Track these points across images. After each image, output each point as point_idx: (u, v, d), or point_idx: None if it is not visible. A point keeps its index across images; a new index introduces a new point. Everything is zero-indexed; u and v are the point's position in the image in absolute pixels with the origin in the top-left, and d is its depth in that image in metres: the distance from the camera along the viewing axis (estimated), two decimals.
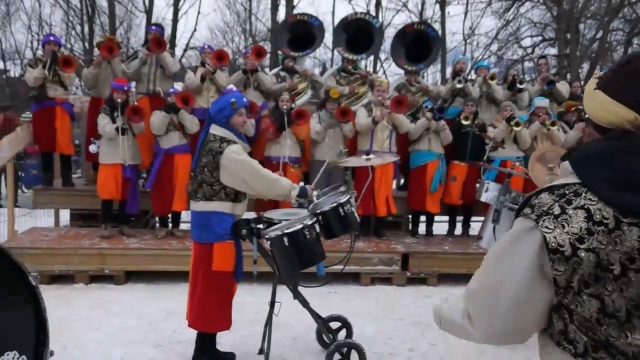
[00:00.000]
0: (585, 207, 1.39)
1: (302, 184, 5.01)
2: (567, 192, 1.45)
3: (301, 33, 8.09)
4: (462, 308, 1.64)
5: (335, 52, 20.72)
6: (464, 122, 7.01)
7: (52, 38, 7.40)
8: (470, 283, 1.63)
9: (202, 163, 3.68)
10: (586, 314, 1.41)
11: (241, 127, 3.85)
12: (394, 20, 20.74)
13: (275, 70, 8.22)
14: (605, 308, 1.39)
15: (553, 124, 7.04)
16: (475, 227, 7.50)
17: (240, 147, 3.70)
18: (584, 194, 1.42)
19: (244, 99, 3.91)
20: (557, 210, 1.42)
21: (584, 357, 1.44)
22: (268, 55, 16.30)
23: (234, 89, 6.82)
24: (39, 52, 20.65)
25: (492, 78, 7.90)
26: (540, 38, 21.30)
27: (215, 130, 3.73)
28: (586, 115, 7.39)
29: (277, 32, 8.87)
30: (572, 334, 1.46)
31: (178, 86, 7.58)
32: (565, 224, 1.39)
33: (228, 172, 3.62)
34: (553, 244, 1.40)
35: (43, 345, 2.55)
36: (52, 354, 2.60)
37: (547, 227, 1.41)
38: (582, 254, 1.37)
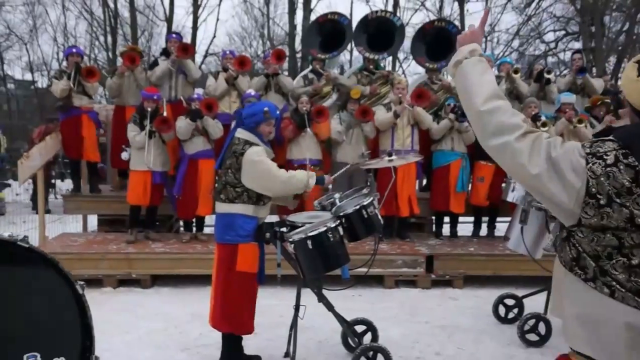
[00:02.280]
0: (637, 168, 1.48)
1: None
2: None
3: (330, 33, 8.09)
4: (521, 125, 1.68)
5: (355, 53, 20.89)
6: None
7: (74, 50, 7.55)
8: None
9: (227, 165, 3.73)
10: (599, 249, 1.53)
11: (266, 136, 3.88)
12: (412, 20, 20.66)
13: (304, 72, 8.25)
14: (622, 249, 1.50)
15: (580, 121, 6.86)
16: (500, 228, 7.44)
17: (261, 149, 3.72)
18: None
19: (277, 112, 3.96)
20: (611, 159, 1.51)
21: (593, 282, 1.54)
22: (286, 59, 16.32)
23: (253, 93, 6.89)
24: (64, 64, 21.08)
25: (516, 72, 7.73)
26: (563, 32, 20.96)
27: (241, 133, 3.78)
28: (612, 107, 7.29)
29: (306, 33, 8.84)
30: (583, 261, 1.56)
31: (200, 91, 7.67)
32: (611, 175, 1.49)
33: (248, 174, 3.65)
34: (593, 190, 1.50)
35: (89, 351, 2.62)
36: (97, 359, 2.67)
37: (593, 172, 1.51)
38: (615, 207, 1.48)
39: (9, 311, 2.42)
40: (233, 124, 6.72)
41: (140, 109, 6.62)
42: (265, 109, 3.77)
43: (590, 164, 1.51)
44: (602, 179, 1.49)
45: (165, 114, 6.72)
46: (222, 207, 3.77)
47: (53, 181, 13.91)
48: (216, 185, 3.89)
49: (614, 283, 1.51)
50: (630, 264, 1.50)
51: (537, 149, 1.59)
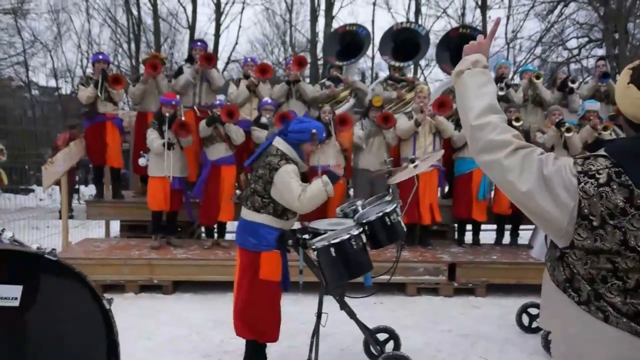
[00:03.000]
0: (630, 187, 1.43)
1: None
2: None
3: (349, 43, 8.16)
4: (511, 142, 1.63)
5: (376, 60, 20.91)
6: None
7: (101, 57, 7.63)
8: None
9: (259, 173, 3.72)
10: (594, 272, 1.48)
11: (306, 154, 3.90)
12: (434, 27, 20.60)
13: (322, 81, 8.31)
14: (616, 271, 1.45)
15: (605, 128, 6.76)
16: (523, 236, 7.34)
17: (295, 168, 3.71)
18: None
19: (324, 134, 3.95)
20: (603, 178, 1.46)
21: (587, 305, 1.50)
22: (308, 65, 16.42)
23: (269, 100, 6.93)
24: (89, 70, 21.45)
25: (538, 77, 7.67)
26: (586, 39, 20.72)
27: (281, 144, 3.76)
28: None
29: (326, 43, 8.95)
30: (577, 283, 1.51)
31: (222, 98, 7.72)
32: (604, 196, 1.43)
33: (277, 191, 3.65)
34: (585, 211, 1.45)
35: None
36: None
37: (585, 193, 1.46)
38: (609, 229, 1.43)
39: (35, 324, 2.42)
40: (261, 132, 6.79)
41: (159, 115, 6.67)
42: (314, 130, 3.76)
43: (582, 184, 1.46)
44: (594, 199, 1.43)
45: (183, 119, 6.78)
46: (247, 214, 3.78)
47: (77, 186, 14.10)
48: (245, 190, 3.89)
49: (609, 308, 1.46)
50: (625, 287, 1.45)
51: (527, 166, 1.55)
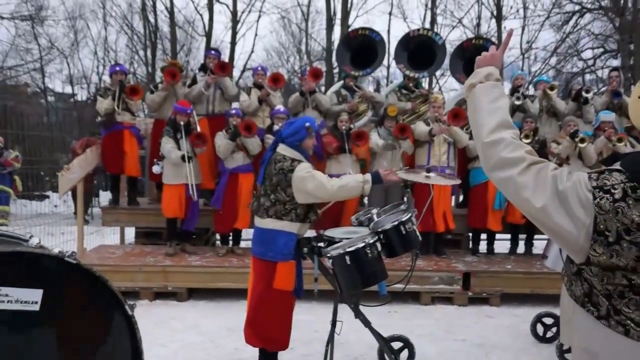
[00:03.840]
0: None
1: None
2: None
3: (363, 49, 8.10)
4: (524, 158, 1.63)
5: (392, 69, 20.93)
6: (525, 141, 6.83)
7: (118, 68, 7.70)
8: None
9: (274, 182, 3.73)
10: (610, 288, 1.47)
11: (310, 150, 3.91)
12: (449, 37, 20.59)
13: (336, 88, 8.28)
14: (633, 287, 1.44)
15: (620, 139, 6.73)
16: (538, 246, 7.30)
17: (309, 165, 3.76)
18: None
19: (316, 123, 3.99)
20: (619, 193, 1.44)
21: (606, 320, 1.49)
22: (323, 76, 16.46)
23: (282, 109, 6.97)
24: (104, 78, 21.69)
25: (552, 88, 7.65)
26: (601, 50, 20.61)
27: (285, 151, 3.79)
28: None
29: (338, 48, 8.87)
30: (595, 297, 1.50)
31: (237, 105, 7.77)
32: (620, 211, 1.42)
33: (300, 190, 3.66)
34: (601, 226, 1.44)
35: None
36: None
37: (600, 208, 1.45)
38: (625, 245, 1.42)
39: (56, 329, 2.41)
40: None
41: (173, 123, 6.72)
42: (307, 124, 3.80)
43: (598, 199, 1.45)
44: (610, 214, 1.42)
45: (198, 128, 6.83)
46: (265, 223, 3.78)
47: (97, 191, 14.24)
48: (261, 200, 3.86)
49: (629, 322, 1.45)
50: None
51: (542, 182, 1.54)
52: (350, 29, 8.61)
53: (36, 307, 2.33)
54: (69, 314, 2.45)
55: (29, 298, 2.32)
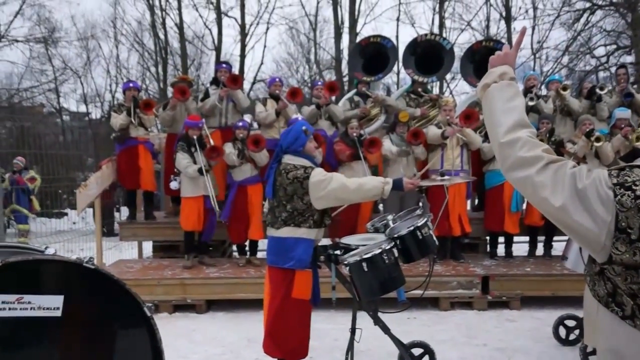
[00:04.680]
0: None
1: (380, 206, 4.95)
2: None
3: (374, 56, 8.13)
4: (542, 157, 1.62)
5: (401, 75, 20.92)
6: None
7: (131, 85, 7.83)
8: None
9: (289, 192, 3.67)
10: (635, 287, 1.45)
11: (314, 152, 3.88)
12: (459, 40, 20.57)
13: (349, 95, 8.32)
14: None
15: (638, 138, 6.65)
16: (557, 247, 7.21)
17: (322, 169, 3.73)
18: None
19: (312, 127, 3.99)
20: None
21: (631, 319, 1.47)
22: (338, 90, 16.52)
23: (300, 117, 6.99)
24: (118, 95, 21.93)
25: (565, 89, 7.59)
26: (614, 46, 20.41)
27: (292, 160, 3.76)
28: None
29: (350, 56, 8.95)
30: (619, 297, 1.48)
31: (247, 118, 7.81)
32: None
33: (319, 195, 3.61)
34: (623, 224, 1.42)
35: None
36: None
37: (622, 205, 1.43)
38: None
39: (79, 334, 2.45)
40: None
41: (185, 137, 6.77)
42: (303, 127, 3.79)
43: (619, 196, 1.43)
44: (632, 212, 1.40)
45: (211, 141, 6.88)
46: (283, 232, 3.73)
47: (118, 205, 14.38)
48: (275, 213, 3.82)
49: None
50: None
51: (560, 181, 1.52)
52: (361, 38, 8.61)
53: (58, 313, 2.38)
54: (90, 318, 2.49)
55: (51, 304, 2.37)
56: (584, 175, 1.51)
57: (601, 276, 1.53)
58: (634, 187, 1.43)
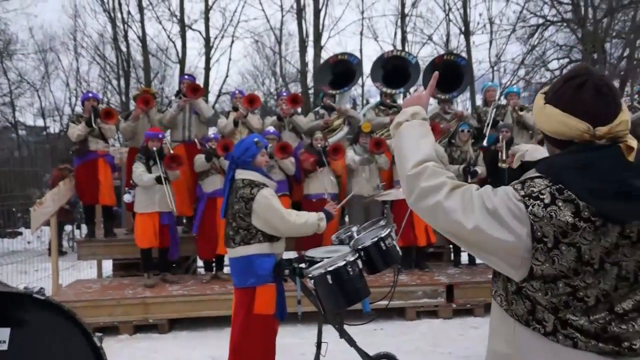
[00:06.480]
0: (575, 201, 1.45)
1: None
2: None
3: (341, 72, 8.27)
4: (445, 183, 1.64)
5: (366, 87, 21.11)
6: (502, 165, 6.93)
7: (91, 95, 7.66)
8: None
9: (235, 210, 3.65)
10: (555, 300, 1.48)
11: (264, 167, 3.85)
12: (420, 53, 20.87)
13: (316, 109, 8.40)
14: (576, 293, 1.47)
15: (522, 108, 7.11)
16: None
17: (271, 190, 3.69)
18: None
19: (266, 140, 3.95)
20: (548, 198, 1.47)
21: (554, 335, 1.49)
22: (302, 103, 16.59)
23: (272, 130, 6.97)
24: (77, 108, 21.43)
25: (522, 109, 7.86)
26: (567, 60, 21.11)
27: (243, 174, 3.72)
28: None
29: (318, 73, 9.06)
30: (540, 314, 1.51)
31: (213, 130, 7.74)
32: (553, 215, 1.45)
33: (259, 218, 3.60)
34: (539, 234, 1.46)
35: None
36: None
37: (535, 215, 1.47)
38: (563, 248, 1.44)
39: None
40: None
41: (145, 149, 6.65)
42: (255, 139, 3.76)
43: (530, 207, 1.46)
44: (545, 220, 1.44)
45: (171, 151, 6.76)
46: (238, 251, 3.69)
47: (79, 224, 13.99)
48: (226, 231, 3.79)
49: (577, 334, 1.46)
50: (587, 306, 1.46)
51: (469, 204, 1.54)
52: (329, 56, 8.78)
53: (4, 347, 2.27)
54: (38, 350, 2.39)
55: None
56: (490, 195, 1.53)
57: (519, 295, 1.54)
58: (541, 196, 1.47)
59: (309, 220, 3.72)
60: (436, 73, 2.16)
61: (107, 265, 8.26)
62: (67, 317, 2.46)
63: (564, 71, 21.00)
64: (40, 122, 24.60)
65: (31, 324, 2.39)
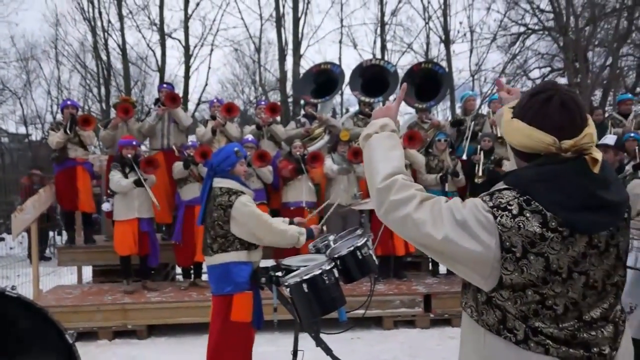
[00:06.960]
0: (542, 212, 1.49)
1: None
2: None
3: (323, 81, 8.33)
4: (415, 195, 1.66)
5: (345, 96, 21.18)
6: (477, 181, 7.03)
7: (69, 102, 7.64)
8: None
9: (213, 218, 3.67)
10: (524, 309, 1.51)
11: (243, 176, 3.88)
12: (400, 62, 20.99)
13: (297, 118, 8.44)
14: (545, 302, 1.50)
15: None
16: None
17: (249, 197, 3.73)
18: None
19: (245, 150, 3.99)
20: (515, 209, 1.50)
21: (525, 343, 1.52)
22: (281, 111, 16.60)
23: (250, 138, 6.99)
24: (59, 116, 21.20)
25: None
26: (548, 69, 21.33)
27: (220, 182, 3.74)
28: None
29: (301, 82, 9.09)
30: (510, 322, 1.54)
31: (194, 138, 7.75)
32: (521, 226, 1.48)
33: (238, 225, 3.62)
34: (507, 244, 1.49)
35: None
36: None
37: (503, 226, 1.49)
38: (532, 257, 1.47)
39: None
40: None
41: (120, 157, 6.65)
42: (235, 149, 3.80)
43: (499, 217, 1.49)
44: (513, 231, 1.47)
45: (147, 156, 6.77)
46: (215, 259, 3.71)
47: (59, 229, 13.88)
48: (204, 239, 3.81)
49: (548, 340, 1.49)
50: (556, 314, 1.50)
51: (438, 216, 1.56)
52: (308, 64, 8.88)
53: None
54: (10, 347, 2.40)
55: None
56: (459, 207, 1.56)
57: (489, 305, 1.57)
58: (509, 207, 1.50)
59: (289, 231, 3.76)
60: (404, 85, 2.20)
61: (87, 272, 8.22)
62: (40, 315, 2.50)
63: (545, 80, 21.28)
64: (22, 130, 24.38)
65: (3, 321, 2.42)
